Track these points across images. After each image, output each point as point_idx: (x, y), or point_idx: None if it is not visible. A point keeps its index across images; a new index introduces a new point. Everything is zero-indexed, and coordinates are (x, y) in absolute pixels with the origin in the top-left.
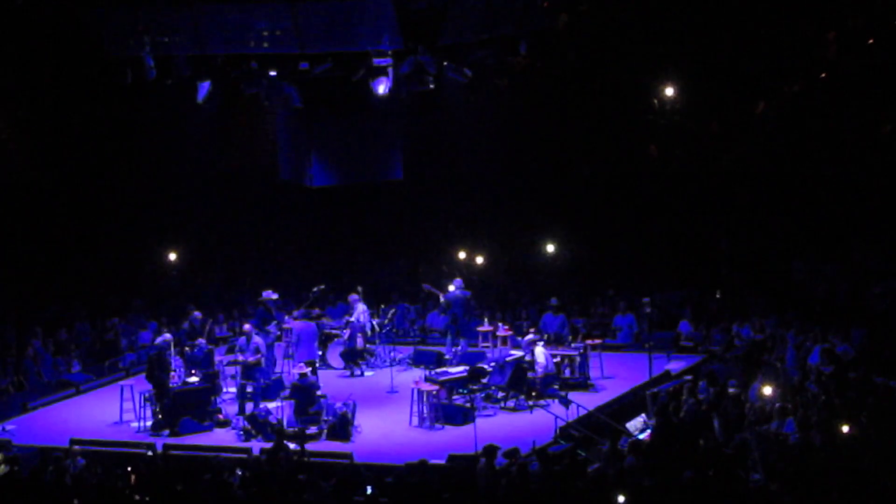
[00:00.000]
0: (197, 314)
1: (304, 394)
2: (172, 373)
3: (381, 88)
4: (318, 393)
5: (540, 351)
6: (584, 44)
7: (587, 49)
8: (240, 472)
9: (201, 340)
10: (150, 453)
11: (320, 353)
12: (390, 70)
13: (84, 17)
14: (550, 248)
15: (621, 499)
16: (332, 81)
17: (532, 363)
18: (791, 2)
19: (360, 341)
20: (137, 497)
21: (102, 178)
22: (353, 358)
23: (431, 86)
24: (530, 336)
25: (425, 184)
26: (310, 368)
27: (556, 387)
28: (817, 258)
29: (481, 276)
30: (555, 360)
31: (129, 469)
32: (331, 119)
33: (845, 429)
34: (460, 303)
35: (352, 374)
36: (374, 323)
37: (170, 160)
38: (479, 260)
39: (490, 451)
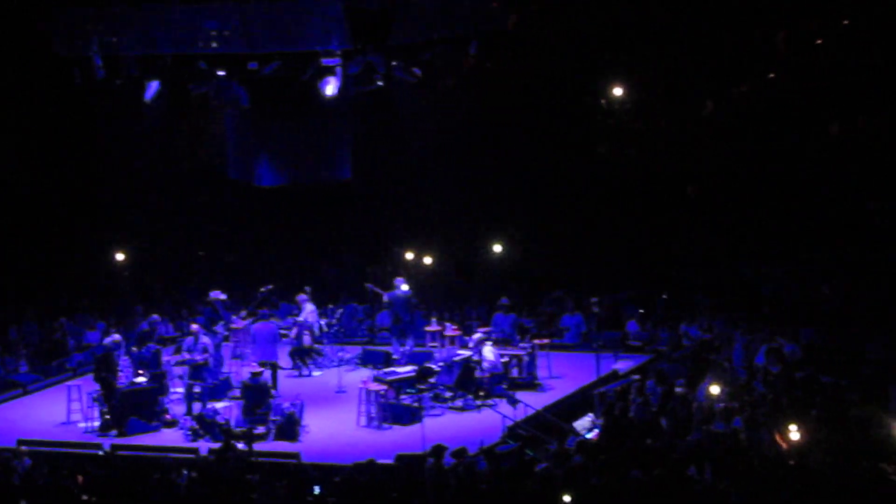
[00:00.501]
0: (155, 316)
1: (256, 393)
2: (120, 373)
3: (330, 88)
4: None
5: (489, 350)
6: (533, 44)
7: (537, 50)
8: (187, 473)
9: (152, 343)
10: (100, 452)
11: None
12: (339, 70)
13: (33, 18)
14: (499, 248)
15: (567, 498)
16: (281, 81)
17: (480, 362)
18: (741, 2)
19: (307, 340)
20: (85, 497)
21: (51, 178)
22: (300, 356)
23: (380, 83)
24: (478, 335)
25: (374, 184)
26: (267, 369)
27: (504, 386)
28: (765, 258)
29: (430, 275)
30: (503, 360)
31: (76, 469)
32: (279, 119)
33: (793, 429)
34: (401, 302)
35: (300, 374)
36: (322, 323)
37: (119, 160)
38: (428, 260)
39: (438, 451)
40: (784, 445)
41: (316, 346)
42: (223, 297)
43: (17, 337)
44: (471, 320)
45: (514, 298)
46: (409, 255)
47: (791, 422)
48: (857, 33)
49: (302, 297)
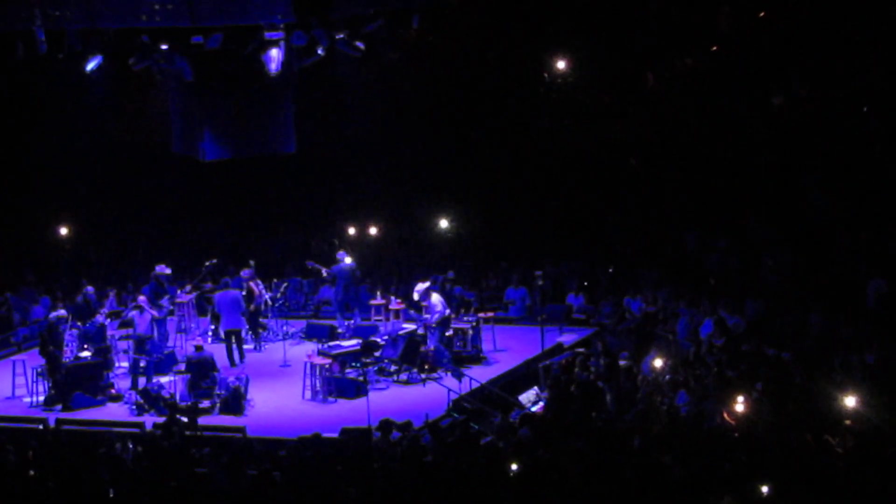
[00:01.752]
0: (90, 289)
1: (200, 368)
2: (65, 348)
3: (274, 62)
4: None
5: (436, 296)
6: (476, 18)
7: (480, 23)
8: (133, 447)
9: (98, 317)
10: (41, 427)
11: (213, 326)
12: (282, 44)
13: None
14: (444, 221)
15: (514, 467)
16: (225, 55)
17: (425, 336)
18: None
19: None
20: (31, 472)
21: None
22: (256, 327)
23: (320, 52)
24: (425, 284)
25: (318, 158)
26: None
27: (448, 359)
28: (709, 231)
29: (374, 249)
30: (448, 334)
31: (23, 445)
32: (223, 93)
33: (739, 400)
34: (345, 274)
35: (255, 348)
36: (267, 297)
37: (62, 133)
38: (373, 232)
39: (386, 425)
40: (730, 419)
41: (261, 320)
42: (168, 271)
43: None
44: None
45: (459, 272)
46: (353, 230)
47: (736, 394)
48: (799, 6)
49: (246, 271)
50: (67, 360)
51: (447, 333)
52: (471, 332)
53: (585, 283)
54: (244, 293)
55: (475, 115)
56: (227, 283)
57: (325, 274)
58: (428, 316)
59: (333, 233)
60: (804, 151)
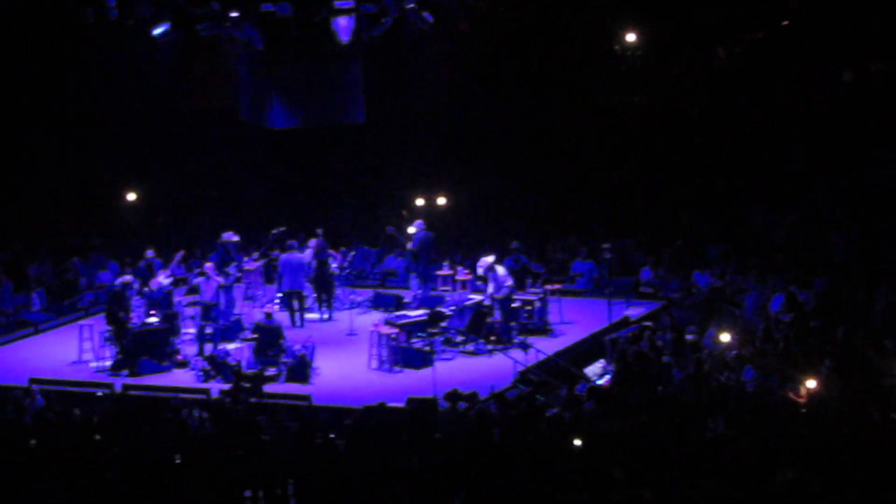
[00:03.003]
0: (150, 252)
1: (268, 335)
2: (132, 313)
3: (343, 31)
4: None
5: (502, 269)
6: None
7: None
8: (198, 413)
9: (159, 280)
10: (99, 393)
11: (280, 295)
12: (352, 12)
13: None
14: (512, 192)
15: (578, 442)
16: (294, 23)
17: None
18: None
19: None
20: (97, 436)
21: (63, 118)
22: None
23: (388, 21)
24: (490, 257)
25: (386, 127)
26: (286, 299)
27: (516, 331)
28: (777, 206)
29: (442, 219)
30: (514, 305)
31: (89, 409)
32: (292, 61)
33: (811, 383)
34: (428, 244)
35: (321, 319)
36: (334, 266)
37: (131, 100)
38: (440, 202)
39: (454, 396)
40: (796, 396)
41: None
42: (235, 238)
43: (30, 276)
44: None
45: (527, 244)
46: (420, 200)
47: (803, 370)
48: None
49: (314, 240)
50: (134, 325)
51: (513, 305)
52: (538, 304)
53: (653, 257)
54: (317, 260)
55: (543, 87)
56: (293, 247)
57: (408, 246)
58: (492, 289)
59: (401, 202)
60: (873, 126)
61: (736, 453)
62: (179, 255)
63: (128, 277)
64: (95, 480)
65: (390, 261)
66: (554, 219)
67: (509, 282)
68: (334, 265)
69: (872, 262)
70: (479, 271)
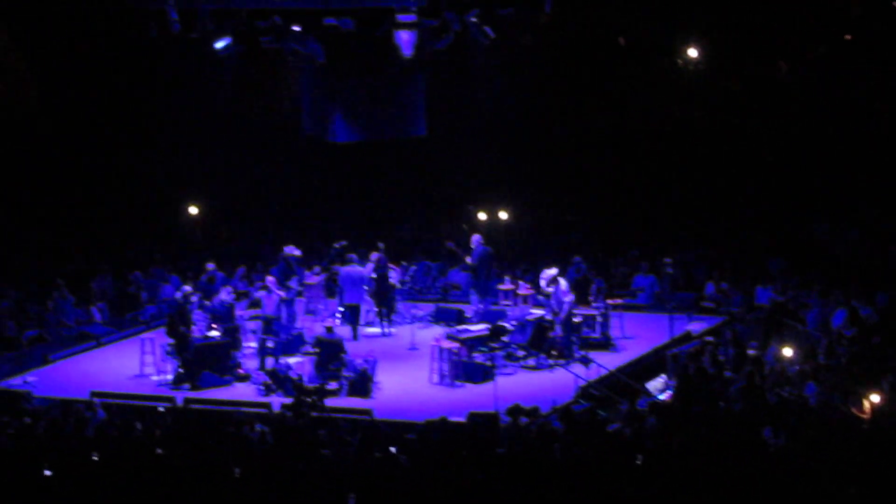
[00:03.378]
0: (210, 265)
1: (329, 349)
2: (193, 326)
3: (405, 45)
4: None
5: (565, 283)
6: (609, 3)
7: (612, 8)
8: (260, 427)
9: (222, 295)
10: (161, 408)
11: (342, 309)
12: (414, 26)
13: None
14: (573, 206)
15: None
16: (356, 37)
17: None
18: None
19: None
20: (158, 450)
21: (126, 132)
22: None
23: (451, 35)
24: (553, 270)
25: (448, 141)
26: (347, 313)
27: (577, 345)
28: (840, 220)
29: (504, 233)
30: (576, 320)
31: (152, 422)
32: (354, 74)
33: (875, 398)
34: (487, 259)
35: (382, 333)
36: (395, 279)
37: (193, 114)
38: (502, 216)
39: (515, 410)
40: (859, 411)
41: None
42: (297, 252)
43: (92, 289)
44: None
45: (587, 258)
46: (483, 214)
47: (866, 386)
48: None
49: (375, 254)
50: (196, 339)
51: (575, 320)
52: (599, 318)
53: (715, 272)
54: (377, 274)
55: (606, 102)
56: (353, 260)
57: (467, 260)
58: (553, 302)
59: (463, 216)
60: None
61: (798, 469)
62: (241, 270)
63: (188, 289)
64: (156, 494)
65: (453, 274)
66: (616, 233)
67: (570, 297)
68: (394, 279)
69: None
70: (542, 283)
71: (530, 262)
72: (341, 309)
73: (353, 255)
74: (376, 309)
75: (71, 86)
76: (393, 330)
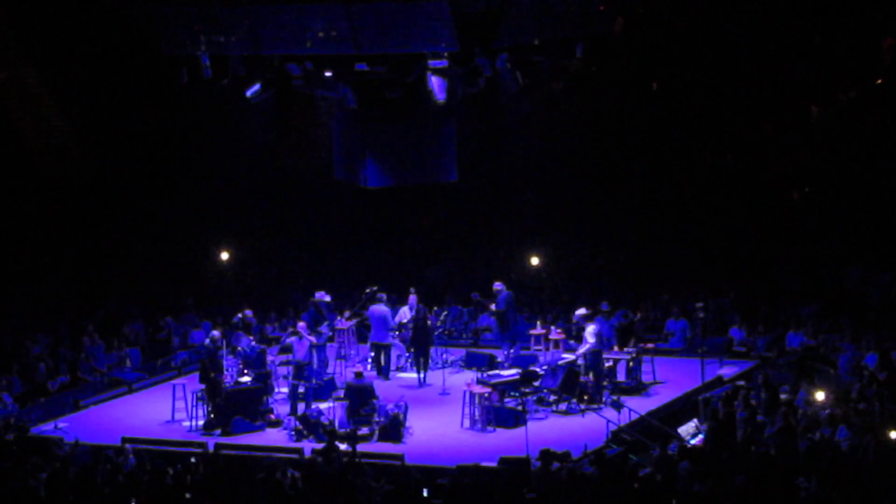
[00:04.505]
0: (249, 311)
1: (360, 394)
2: (225, 372)
3: (437, 91)
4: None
5: (591, 328)
6: (639, 47)
7: (642, 53)
8: (292, 473)
9: (247, 340)
10: (192, 460)
11: (373, 353)
12: (445, 72)
13: (140, 16)
14: (605, 251)
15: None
16: (388, 82)
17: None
18: (845, 8)
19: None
20: (189, 495)
21: (158, 177)
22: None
23: (481, 82)
24: (584, 310)
25: (479, 186)
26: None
27: (609, 390)
28: (872, 265)
29: (535, 278)
30: (607, 364)
31: (181, 468)
32: (385, 120)
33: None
34: (512, 303)
35: (419, 384)
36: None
37: (224, 159)
38: (534, 262)
39: (546, 456)
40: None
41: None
42: (328, 298)
43: (123, 335)
44: (573, 324)
45: (620, 303)
46: (514, 259)
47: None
48: None
49: (413, 297)
50: (227, 384)
51: (607, 364)
52: (631, 363)
53: (746, 316)
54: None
55: (635, 145)
56: (381, 299)
57: (492, 308)
58: (558, 350)
59: (496, 262)
60: None
61: None
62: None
63: (215, 333)
64: None
65: (484, 318)
66: (647, 277)
67: (589, 343)
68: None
69: None
70: (574, 319)
71: (562, 308)
72: (372, 354)
73: (382, 295)
74: (409, 354)
75: (104, 131)
76: (426, 378)
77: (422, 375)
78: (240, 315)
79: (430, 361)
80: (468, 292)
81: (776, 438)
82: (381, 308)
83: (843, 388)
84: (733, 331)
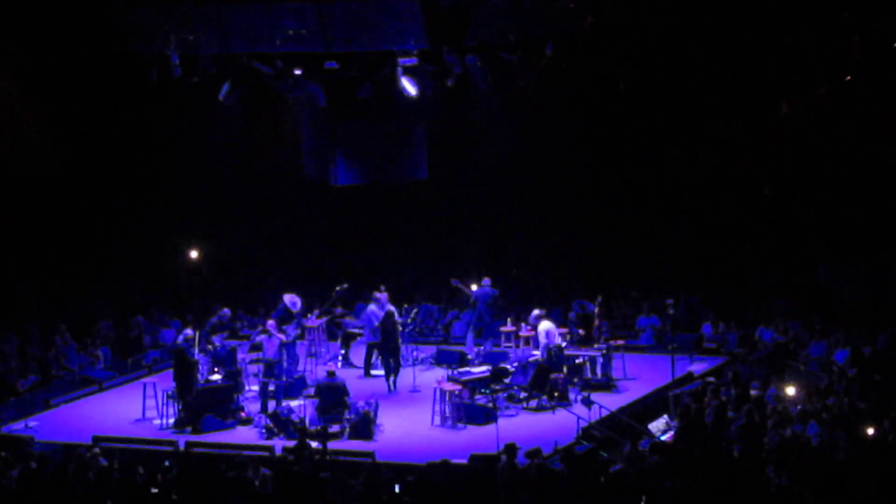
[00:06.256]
0: (226, 311)
1: (331, 393)
2: (196, 370)
3: (407, 89)
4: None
5: (543, 328)
6: (609, 46)
7: (612, 51)
8: (264, 471)
9: (216, 338)
10: (167, 463)
11: (343, 351)
12: (415, 70)
13: (110, 15)
14: (574, 248)
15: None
16: (357, 80)
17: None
18: (815, 5)
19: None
20: (159, 492)
21: (128, 176)
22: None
23: (450, 82)
24: (537, 311)
25: (449, 184)
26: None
27: (579, 387)
28: (842, 261)
29: (505, 275)
30: (577, 361)
31: (154, 467)
32: (356, 118)
33: (870, 431)
34: (487, 300)
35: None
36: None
37: (195, 158)
38: (502, 258)
39: (511, 449)
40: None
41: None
42: (297, 308)
43: (93, 334)
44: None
45: (591, 299)
46: (482, 256)
47: (867, 425)
48: None
49: (383, 296)
50: (198, 383)
51: (577, 361)
52: (601, 359)
53: (716, 313)
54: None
55: (606, 143)
56: (376, 299)
57: (469, 292)
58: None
59: (465, 259)
60: None
61: None
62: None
63: (188, 332)
64: None
65: (452, 316)
66: (617, 274)
67: (551, 340)
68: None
69: None
70: (530, 321)
71: (533, 305)
72: (342, 352)
73: (384, 295)
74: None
75: (73, 130)
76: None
77: (391, 381)
78: (216, 318)
79: (400, 367)
80: (438, 290)
81: (742, 433)
82: (373, 308)
83: (813, 384)
84: (705, 327)
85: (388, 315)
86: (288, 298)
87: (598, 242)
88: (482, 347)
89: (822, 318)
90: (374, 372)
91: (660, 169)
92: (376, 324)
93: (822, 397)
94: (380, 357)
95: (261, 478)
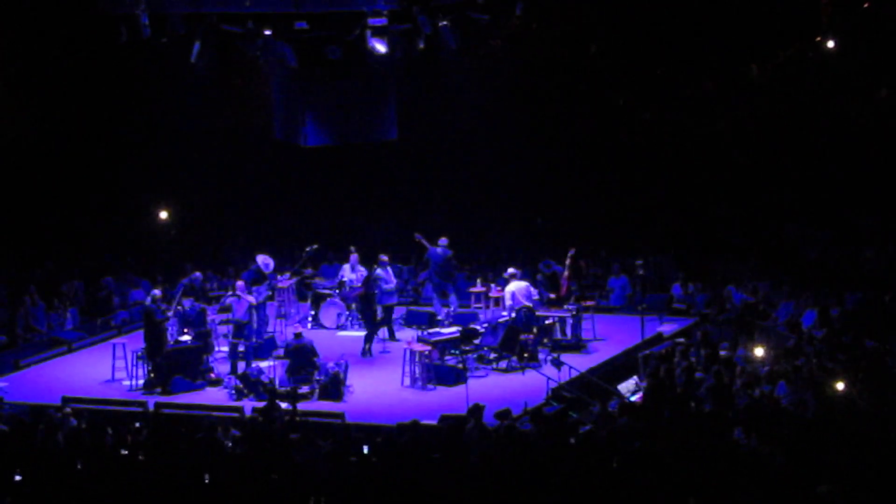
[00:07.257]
0: (197, 274)
1: (299, 354)
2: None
3: (376, 49)
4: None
5: (510, 289)
6: (579, 5)
7: (582, 11)
8: (234, 432)
9: (186, 301)
10: (137, 425)
11: (313, 312)
12: (385, 30)
13: None
14: (546, 208)
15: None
16: (327, 41)
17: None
18: None
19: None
20: (128, 453)
21: (97, 137)
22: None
23: (421, 43)
24: (510, 270)
25: (419, 145)
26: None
27: (549, 347)
28: (810, 222)
29: (475, 236)
30: (548, 321)
31: (124, 428)
32: (325, 79)
33: (840, 386)
34: (437, 261)
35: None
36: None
37: (164, 119)
38: (473, 219)
39: (476, 410)
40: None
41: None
42: (270, 268)
43: (62, 294)
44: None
45: (560, 260)
46: (452, 216)
47: (835, 384)
48: None
49: (355, 256)
50: (167, 344)
51: (547, 322)
52: (571, 320)
53: (686, 273)
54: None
55: (576, 104)
56: (300, 274)
57: (426, 244)
58: (498, 308)
59: (433, 219)
60: None
61: (770, 468)
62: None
63: (156, 292)
64: (127, 499)
65: (424, 276)
66: (587, 234)
67: (516, 301)
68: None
69: None
70: (505, 275)
71: (503, 266)
72: (312, 313)
73: (309, 271)
74: (350, 313)
75: (39, 91)
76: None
77: (367, 347)
78: (187, 280)
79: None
80: (407, 251)
81: (711, 394)
82: (379, 272)
83: (782, 345)
84: (674, 288)
85: (367, 280)
86: (261, 259)
87: (567, 202)
88: (450, 308)
89: (790, 278)
90: (341, 333)
91: (630, 129)
92: (385, 287)
93: (791, 358)
94: (363, 320)
95: (231, 438)
